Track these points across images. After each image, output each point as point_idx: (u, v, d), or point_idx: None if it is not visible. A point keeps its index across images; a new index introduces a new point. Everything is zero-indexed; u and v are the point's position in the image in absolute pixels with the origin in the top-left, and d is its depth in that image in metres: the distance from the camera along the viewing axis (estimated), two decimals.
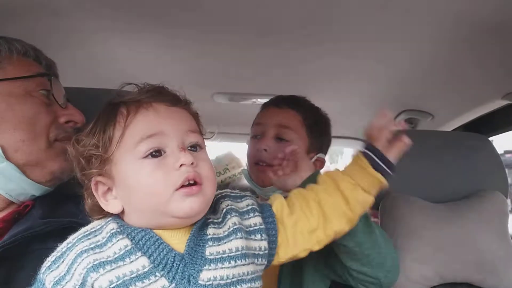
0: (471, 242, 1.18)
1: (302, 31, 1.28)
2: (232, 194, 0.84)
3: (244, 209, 0.82)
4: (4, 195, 0.93)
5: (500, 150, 1.41)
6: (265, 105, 1.44)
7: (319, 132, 1.38)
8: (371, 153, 0.84)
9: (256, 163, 1.32)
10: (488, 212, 1.22)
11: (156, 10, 1.16)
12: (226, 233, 0.76)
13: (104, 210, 0.78)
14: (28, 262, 0.85)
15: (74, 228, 0.91)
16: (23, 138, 0.91)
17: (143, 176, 0.71)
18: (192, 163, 0.71)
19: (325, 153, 1.41)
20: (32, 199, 0.97)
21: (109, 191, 0.77)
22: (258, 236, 0.79)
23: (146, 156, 0.72)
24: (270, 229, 0.81)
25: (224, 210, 0.80)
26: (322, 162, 1.38)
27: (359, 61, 1.53)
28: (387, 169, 0.84)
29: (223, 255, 0.74)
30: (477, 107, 1.76)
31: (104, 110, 0.79)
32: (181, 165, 0.71)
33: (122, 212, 0.77)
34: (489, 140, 1.40)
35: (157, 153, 0.72)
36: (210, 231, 0.76)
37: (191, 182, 0.71)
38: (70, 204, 1.02)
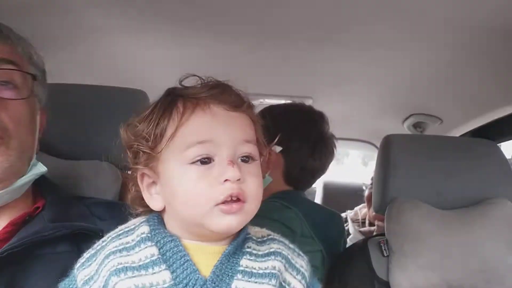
0: (478, 250, 1.16)
1: (311, 34, 1.27)
2: (291, 246, 0.80)
3: (293, 264, 0.77)
4: None
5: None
6: None
7: None
8: None
9: None
10: (497, 219, 1.20)
11: (163, 9, 1.16)
12: (261, 271, 0.71)
13: (141, 205, 0.76)
14: (35, 267, 0.83)
15: (84, 234, 0.88)
16: None
17: (187, 183, 0.68)
18: (238, 179, 0.67)
19: None
20: (43, 199, 0.93)
21: (153, 184, 0.74)
22: None
23: (194, 162, 0.68)
24: None
25: (273, 250, 0.75)
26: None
27: (367, 65, 1.52)
28: None
29: None
30: (487, 112, 1.74)
31: (163, 99, 0.74)
32: (226, 180, 0.67)
33: (164, 209, 0.74)
34: (497, 146, 1.38)
35: (206, 160, 0.68)
36: (244, 262, 0.71)
37: (234, 198, 0.67)
38: (82, 206, 1.00)
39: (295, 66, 1.56)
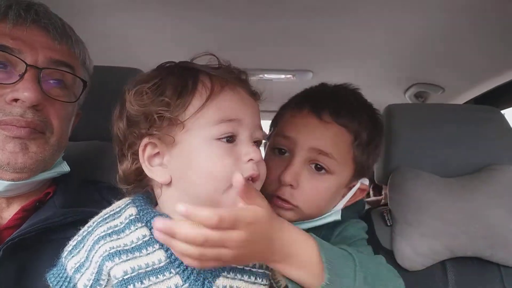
0: (481, 216, 1.16)
1: (308, 1, 1.24)
2: None
3: None
4: None
5: None
6: (298, 106, 0.99)
7: (371, 152, 0.99)
8: None
9: (277, 196, 0.92)
10: (499, 186, 1.20)
11: None
12: None
13: (135, 180, 0.74)
14: (46, 252, 0.84)
15: None
16: None
17: (212, 158, 0.69)
18: (259, 161, 0.71)
19: (370, 173, 1.05)
20: (54, 185, 0.94)
21: (157, 156, 0.72)
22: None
23: (220, 138, 0.69)
24: None
25: None
26: (363, 190, 1.02)
27: (367, 33, 1.49)
28: None
29: (245, 267, 0.71)
30: (490, 79, 1.71)
31: (179, 72, 0.74)
32: (249, 160, 0.70)
33: (170, 183, 0.72)
34: (500, 113, 1.37)
35: (231, 139, 0.70)
36: None
37: (250, 179, 0.71)
38: (93, 190, 1.00)
39: (292, 37, 1.53)
